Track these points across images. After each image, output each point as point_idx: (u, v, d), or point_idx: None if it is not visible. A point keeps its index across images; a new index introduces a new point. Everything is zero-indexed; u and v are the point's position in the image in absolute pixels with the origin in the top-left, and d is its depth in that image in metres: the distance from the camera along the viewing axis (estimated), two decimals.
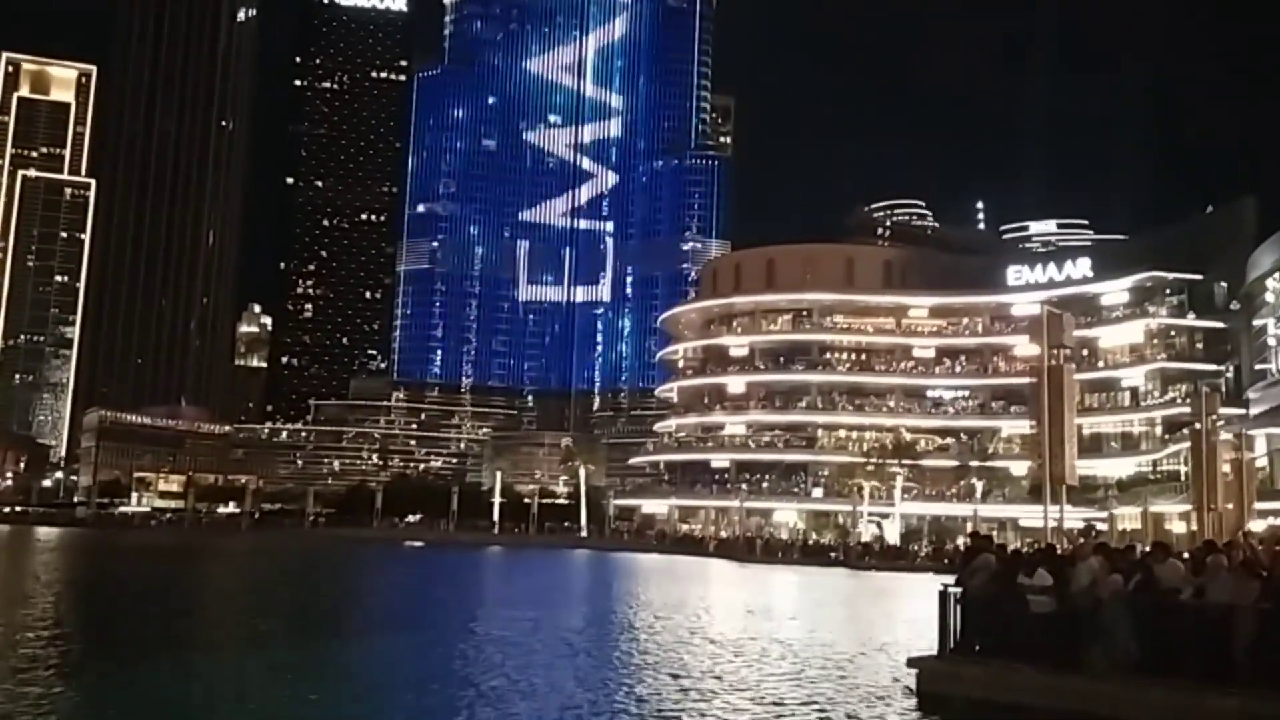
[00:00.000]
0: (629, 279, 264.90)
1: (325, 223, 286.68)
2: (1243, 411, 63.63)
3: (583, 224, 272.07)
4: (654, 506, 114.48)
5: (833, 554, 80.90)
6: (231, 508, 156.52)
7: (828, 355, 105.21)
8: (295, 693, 15.54)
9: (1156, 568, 15.25)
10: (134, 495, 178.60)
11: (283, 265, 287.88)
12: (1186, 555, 16.48)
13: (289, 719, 13.38)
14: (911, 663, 16.79)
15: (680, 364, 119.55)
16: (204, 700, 14.97)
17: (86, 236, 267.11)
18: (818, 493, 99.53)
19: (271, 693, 15.51)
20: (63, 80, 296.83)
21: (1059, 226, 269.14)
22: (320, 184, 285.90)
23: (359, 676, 17.68)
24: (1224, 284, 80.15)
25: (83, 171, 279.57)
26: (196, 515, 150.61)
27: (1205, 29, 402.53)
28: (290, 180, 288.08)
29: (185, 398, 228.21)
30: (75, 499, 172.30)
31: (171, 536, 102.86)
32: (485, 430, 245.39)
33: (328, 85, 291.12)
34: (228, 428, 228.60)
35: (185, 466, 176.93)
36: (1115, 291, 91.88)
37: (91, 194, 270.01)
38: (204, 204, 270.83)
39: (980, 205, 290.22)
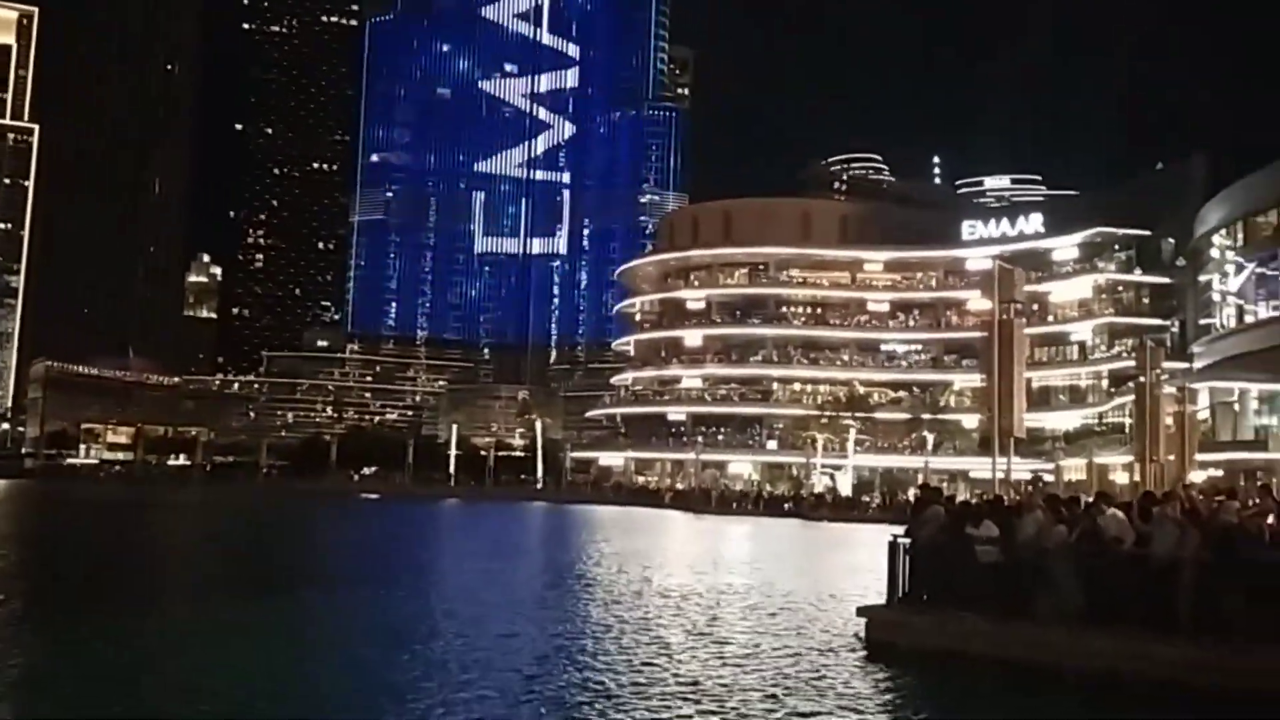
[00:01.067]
0: (586, 231, 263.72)
1: (276, 171, 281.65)
2: (1187, 365, 64.89)
3: (539, 175, 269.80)
4: (610, 459, 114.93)
5: (786, 505, 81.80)
6: (182, 460, 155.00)
7: (784, 309, 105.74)
8: (238, 648, 15.43)
9: (1099, 518, 15.55)
10: (82, 447, 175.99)
11: (233, 214, 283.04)
12: (1127, 506, 16.78)
13: (231, 675, 13.27)
14: (861, 611, 17.03)
15: (637, 317, 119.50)
16: (144, 658, 14.80)
17: (30, 183, 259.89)
18: (772, 445, 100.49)
19: (216, 650, 15.38)
20: (3, 22, 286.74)
21: (1013, 182, 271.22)
22: (271, 131, 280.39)
23: (308, 632, 17.61)
24: (1171, 240, 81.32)
25: (25, 117, 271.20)
26: (146, 467, 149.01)
27: None
28: (240, 127, 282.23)
29: (134, 348, 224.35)
30: (22, 450, 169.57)
31: (121, 489, 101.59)
32: (441, 383, 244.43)
33: (277, 29, 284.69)
34: (177, 379, 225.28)
35: (134, 418, 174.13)
36: (1066, 247, 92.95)
37: (35, 140, 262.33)
38: (150, 150, 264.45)
39: (936, 160, 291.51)
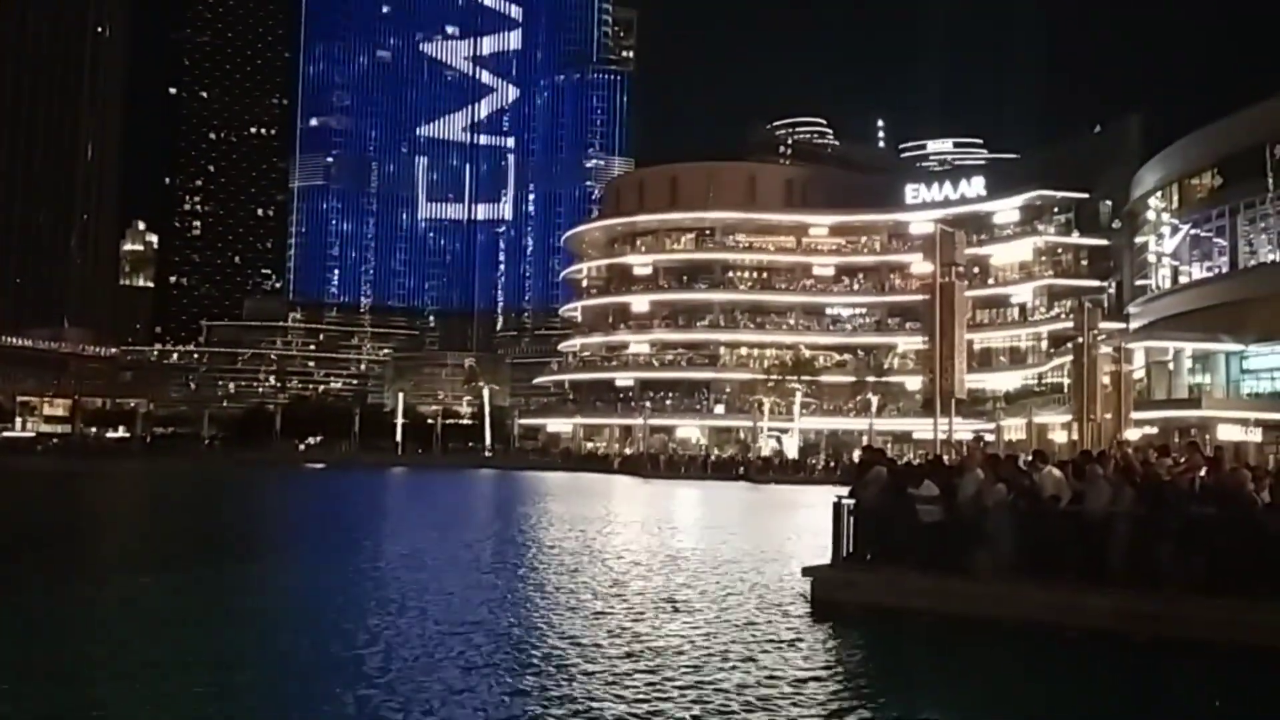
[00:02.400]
0: (531, 196, 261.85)
1: (212, 136, 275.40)
2: (1124, 326, 66.29)
3: (483, 140, 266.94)
4: (559, 425, 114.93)
5: (735, 469, 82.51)
6: (121, 432, 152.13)
7: (730, 274, 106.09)
8: (161, 620, 15.23)
9: (1036, 476, 15.89)
10: (18, 420, 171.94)
11: (168, 180, 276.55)
12: (1065, 465, 17.15)
13: (155, 649, 13.10)
14: (806, 571, 17.26)
15: (584, 283, 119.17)
16: (69, 629, 14.57)
17: None
18: (720, 409, 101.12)
19: (146, 623, 15.15)
20: None
21: (955, 145, 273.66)
22: (206, 95, 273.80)
23: (249, 601, 17.44)
24: (1109, 202, 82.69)
25: None
26: (85, 439, 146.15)
27: None
28: (174, 91, 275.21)
29: (69, 319, 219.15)
30: None
31: (59, 462, 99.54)
32: (386, 351, 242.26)
33: None
34: (114, 350, 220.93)
35: (71, 390, 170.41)
36: (1006, 210, 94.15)
37: None
38: (81, 115, 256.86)
39: (880, 124, 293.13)
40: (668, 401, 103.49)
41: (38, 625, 14.69)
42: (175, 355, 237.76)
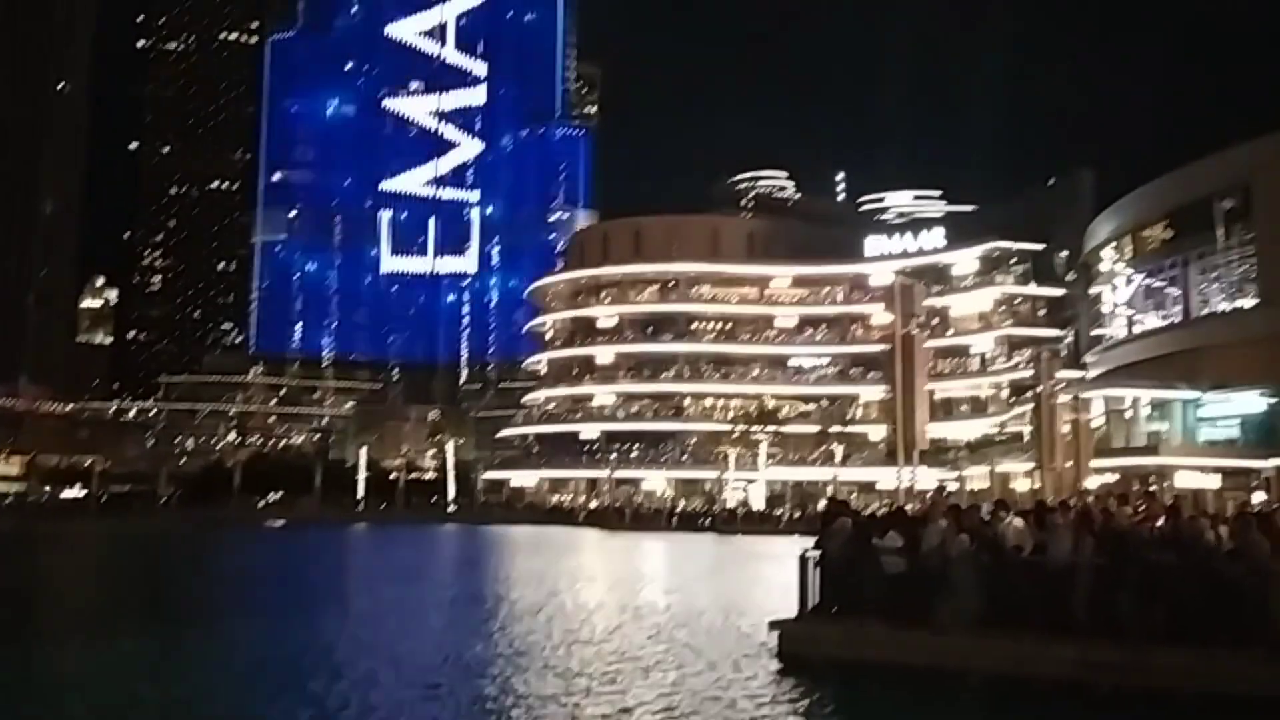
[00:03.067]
0: (496, 249, 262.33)
1: (174, 190, 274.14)
2: (1082, 375, 67.15)
3: (447, 193, 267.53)
4: (524, 479, 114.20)
5: (701, 520, 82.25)
6: (78, 490, 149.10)
7: (694, 325, 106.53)
8: (116, 687, 14.83)
9: (999, 526, 15.99)
10: None
11: (128, 235, 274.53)
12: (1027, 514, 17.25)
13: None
14: (773, 625, 17.19)
15: (548, 335, 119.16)
16: (21, 694, 14.16)
17: None
18: (686, 460, 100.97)
19: (71, 690, 14.69)
20: None
21: (914, 198, 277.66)
22: (167, 150, 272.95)
23: (199, 666, 17.03)
24: (1064, 253, 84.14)
25: None
26: (39, 499, 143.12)
27: (1054, 11, 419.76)
28: (135, 145, 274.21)
29: (25, 375, 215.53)
30: None
31: (13, 521, 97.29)
32: (349, 405, 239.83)
33: (174, 46, 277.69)
34: (71, 406, 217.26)
35: (26, 447, 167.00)
36: (966, 261, 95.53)
37: None
38: (41, 170, 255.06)
39: (840, 177, 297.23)
40: (633, 453, 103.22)
41: None
42: (133, 412, 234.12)
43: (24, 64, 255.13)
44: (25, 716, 12.71)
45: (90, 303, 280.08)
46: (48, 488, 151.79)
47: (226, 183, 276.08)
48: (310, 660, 16.85)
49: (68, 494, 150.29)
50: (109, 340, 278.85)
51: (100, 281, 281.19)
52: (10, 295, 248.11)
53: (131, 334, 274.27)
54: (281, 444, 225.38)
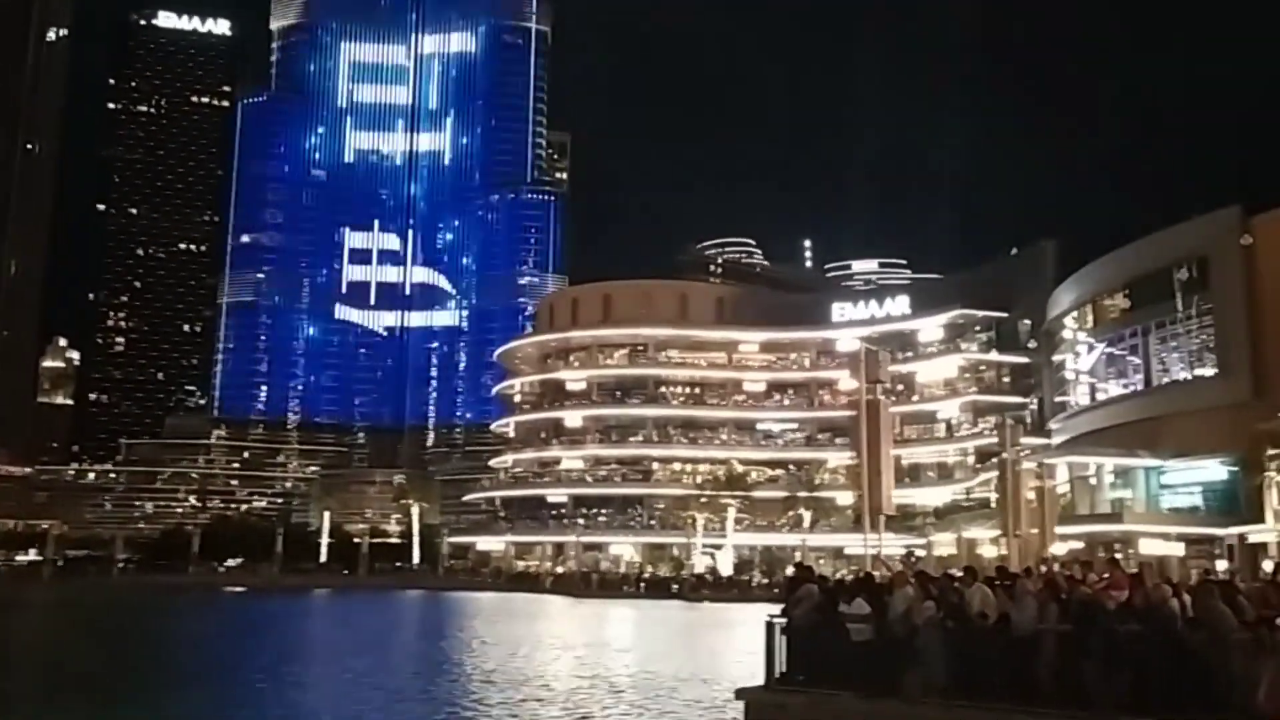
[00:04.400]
0: (465, 313, 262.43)
1: (140, 252, 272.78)
2: (1047, 441, 67.69)
3: (418, 256, 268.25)
4: (489, 544, 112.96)
5: (669, 586, 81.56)
6: (33, 555, 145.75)
7: (663, 389, 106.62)
8: None
9: (966, 592, 15.94)
10: None
11: (92, 296, 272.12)
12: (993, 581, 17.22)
13: None
14: (739, 694, 16.98)
15: (517, 399, 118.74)
16: None
17: None
18: (654, 525, 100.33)
19: None
20: None
21: (880, 265, 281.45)
22: (135, 211, 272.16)
23: None
24: (1027, 321, 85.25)
25: None
26: None
27: (1015, 80, 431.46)
28: (102, 207, 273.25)
29: None
30: None
31: None
32: (313, 468, 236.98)
33: (145, 109, 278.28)
34: (29, 469, 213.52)
35: None
36: (931, 328, 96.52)
37: None
38: (6, 231, 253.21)
39: (807, 244, 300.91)
40: (601, 518, 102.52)
41: None
42: (92, 475, 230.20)
43: None
44: None
45: (52, 363, 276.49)
46: (3, 552, 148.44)
47: (194, 244, 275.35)
48: None
49: (22, 558, 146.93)
50: (70, 401, 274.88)
51: (62, 342, 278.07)
52: None
53: (93, 395, 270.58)
54: (243, 508, 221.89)
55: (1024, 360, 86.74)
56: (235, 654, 31.89)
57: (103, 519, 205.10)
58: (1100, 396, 62.48)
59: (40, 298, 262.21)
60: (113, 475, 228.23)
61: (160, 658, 32.83)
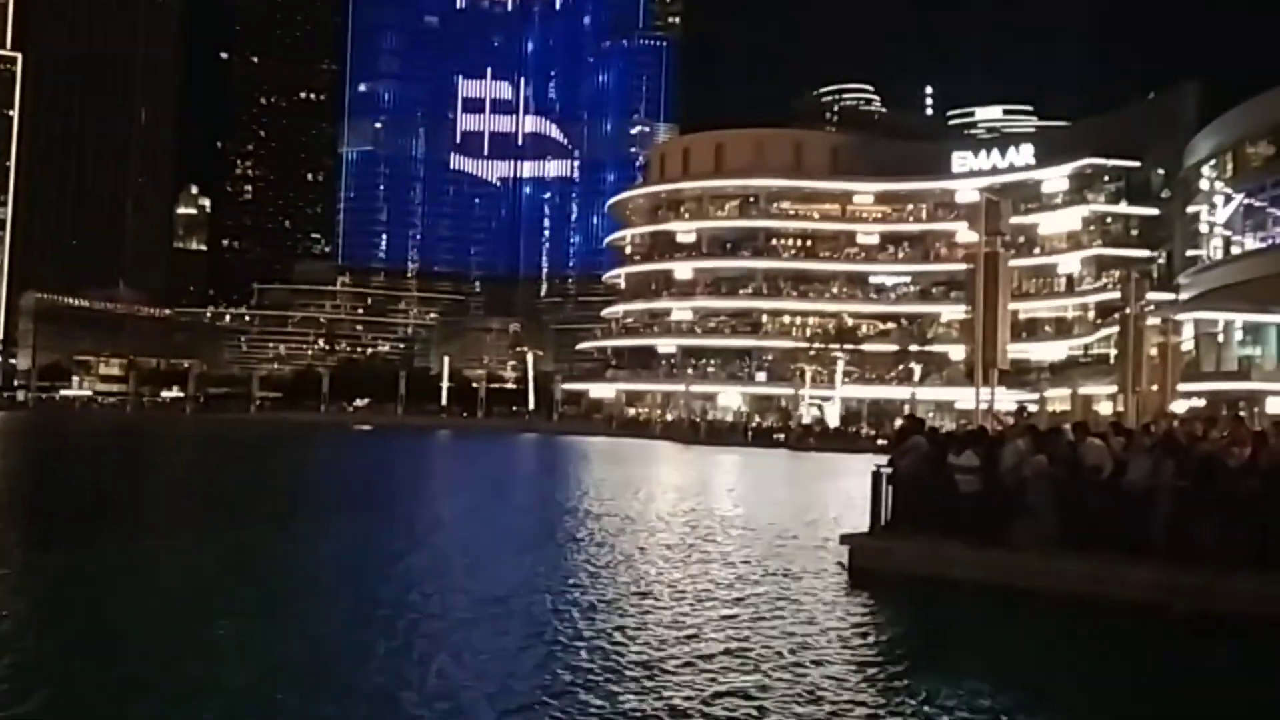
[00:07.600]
0: (577, 163, 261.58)
1: (263, 101, 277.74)
2: (1174, 297, 65.24)
3: (530, 106, 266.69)
4: (601, 391, 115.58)
5: (776, 436, 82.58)
6: (175, 392, 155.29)
7: (774, 241, 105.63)
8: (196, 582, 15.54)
9: (1080, 447, 15.90)
10: (75, 379, 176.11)
11: (220, 144, 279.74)
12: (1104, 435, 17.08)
13: (186, 608, 13.49)
14: (844, 539, 17.43)
15: (628, 250, 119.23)
16: (110, 586, 15.03)
17: (15, 113, 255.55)
18: (761, 377, 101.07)
19: (162, 583, 15.40)
20: None
21: (1005, 113, 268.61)
22: (256, 60, 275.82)
23: (280, 565, 17.82)
24: (1161, 171, 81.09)
25: (8, 45, 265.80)
26: (139, 399, 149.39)
27: None
28: (225, 55, 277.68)
29: (124, 280, 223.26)
30: (15, 383, 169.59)
31: (114, 421, 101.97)
32: (432, 315, 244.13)
33: None
34: (168, 311, 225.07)
35: (126, 350, 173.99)
36: (1055, 179, 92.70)
37: (19, 69, 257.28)
38: (135, 79, 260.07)
39: (929, 90, 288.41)
40: (709, 369, 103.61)
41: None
42: (227, 317, 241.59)
43: None
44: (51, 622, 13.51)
45: (185, 210, 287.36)
46: (148, 389, 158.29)
47: (314, 94, 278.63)
48: (381, 565, 17.65)
49: (166, 395, 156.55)
50: (204, 247, 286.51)
51: (195, 189, 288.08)
52: (109, 203, 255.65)
53: (225, 242, 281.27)
54: (368, 352, 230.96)
55: (1154, 212, 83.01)
56: (387, 486, 33.97)
57: (238, 359, 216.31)
58: (1235, 251, 59.64)
59: (172, 146, 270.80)
60: (247, 318, 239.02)
61: (317, 486, 35.30)
